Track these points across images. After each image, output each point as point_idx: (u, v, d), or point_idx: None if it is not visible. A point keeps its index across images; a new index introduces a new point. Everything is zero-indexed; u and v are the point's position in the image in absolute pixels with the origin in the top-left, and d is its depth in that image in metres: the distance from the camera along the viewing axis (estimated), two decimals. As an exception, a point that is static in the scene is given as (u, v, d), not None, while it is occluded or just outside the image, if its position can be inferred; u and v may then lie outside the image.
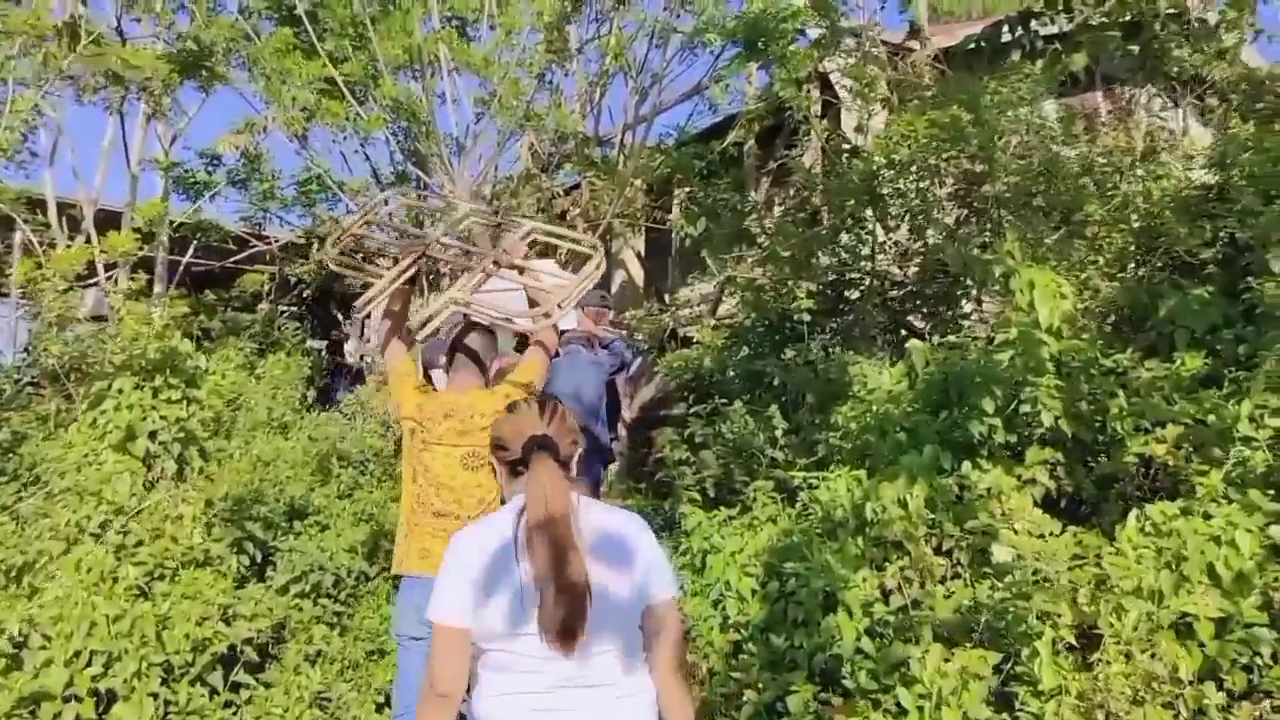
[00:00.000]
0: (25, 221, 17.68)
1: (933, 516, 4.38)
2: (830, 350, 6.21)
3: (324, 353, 12.34)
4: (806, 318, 6.12)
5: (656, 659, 2.08)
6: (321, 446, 8.15)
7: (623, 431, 11.50)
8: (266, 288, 15.52)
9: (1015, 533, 4.45)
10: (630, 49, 10.00)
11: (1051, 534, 4.41)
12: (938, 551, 4.42)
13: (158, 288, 16.69)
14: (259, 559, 5.22)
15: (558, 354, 4.11)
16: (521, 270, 3.55)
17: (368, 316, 10.57)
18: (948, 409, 4.86)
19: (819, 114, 11.49)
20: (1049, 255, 5.83)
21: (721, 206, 8.05)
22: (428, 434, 3.40)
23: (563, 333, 4.67)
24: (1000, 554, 4.29)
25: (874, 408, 5.17)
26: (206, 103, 11.37)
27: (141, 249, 9.97)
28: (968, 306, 7.15)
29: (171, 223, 12.05)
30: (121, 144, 12.67)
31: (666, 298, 14.23)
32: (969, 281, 7.01)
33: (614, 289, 15.52)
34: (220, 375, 5.78)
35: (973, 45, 5.01)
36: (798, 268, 6.64)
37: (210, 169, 10.88)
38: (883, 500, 4.45)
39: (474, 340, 3.59)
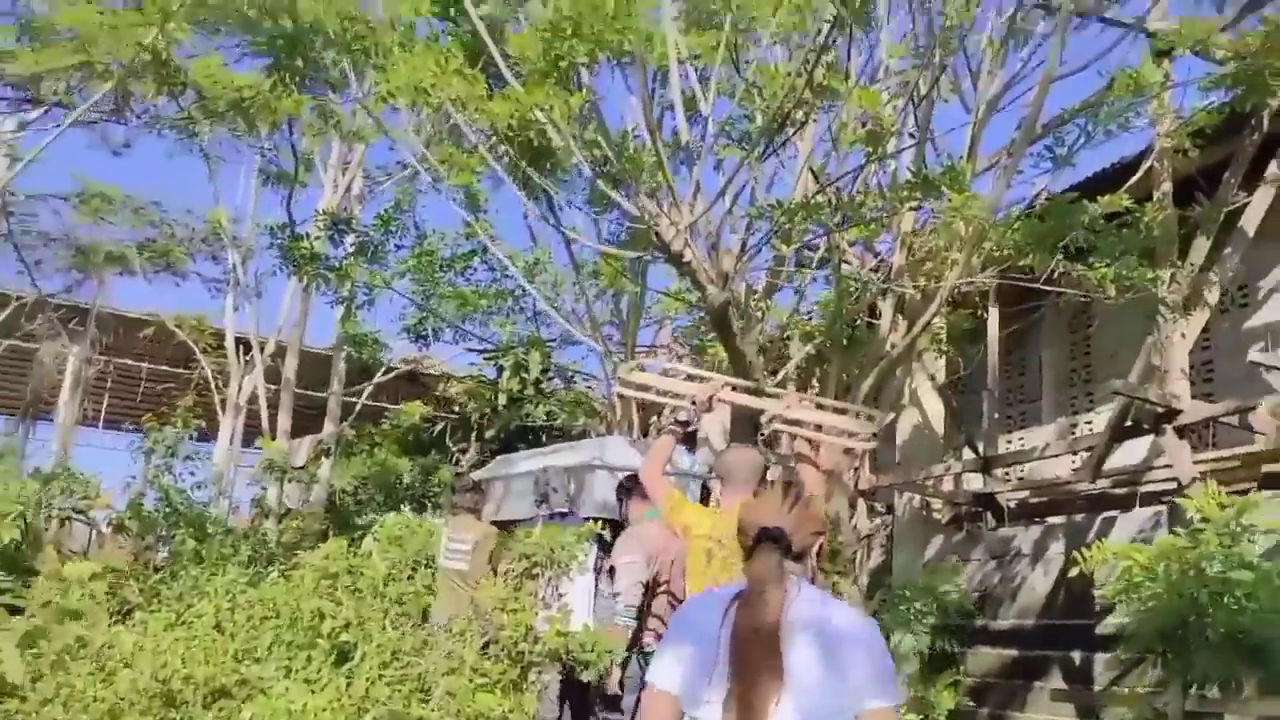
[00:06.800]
0: (204, 353, 15.74)
1: None
2: None
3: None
4: None
5: None
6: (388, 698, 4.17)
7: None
8: (440, 427, 12.21)
9: None
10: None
11: None
12: None
13: (328, 426, 13.90)
14: None
15: None
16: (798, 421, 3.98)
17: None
18: None
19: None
20: None
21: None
22: (728, 552, 3.57)
23: None
24: None
25: None
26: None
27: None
28: None
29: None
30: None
31: (981, 448, 9.45)
32: None
33: (899, 439, 10.80)
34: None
35: None
36: None
37: (337, 233, 7.57)
38: None
39: (747, 460, 3.89)
